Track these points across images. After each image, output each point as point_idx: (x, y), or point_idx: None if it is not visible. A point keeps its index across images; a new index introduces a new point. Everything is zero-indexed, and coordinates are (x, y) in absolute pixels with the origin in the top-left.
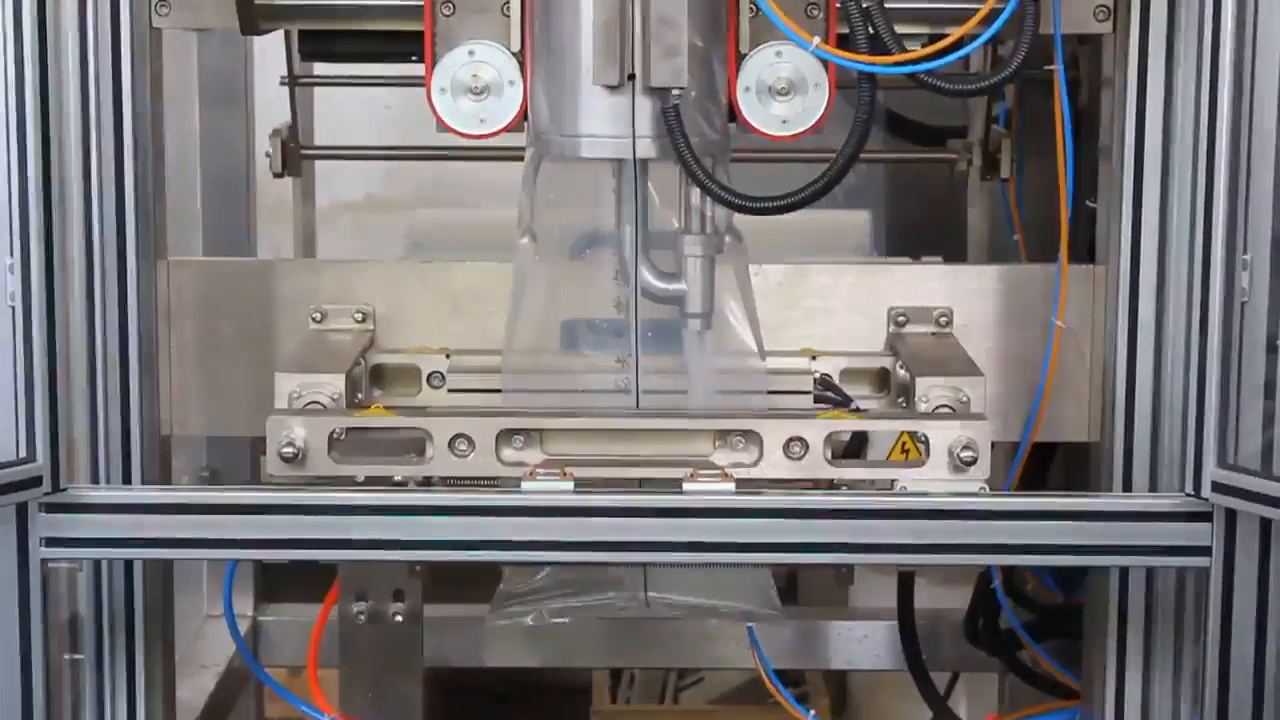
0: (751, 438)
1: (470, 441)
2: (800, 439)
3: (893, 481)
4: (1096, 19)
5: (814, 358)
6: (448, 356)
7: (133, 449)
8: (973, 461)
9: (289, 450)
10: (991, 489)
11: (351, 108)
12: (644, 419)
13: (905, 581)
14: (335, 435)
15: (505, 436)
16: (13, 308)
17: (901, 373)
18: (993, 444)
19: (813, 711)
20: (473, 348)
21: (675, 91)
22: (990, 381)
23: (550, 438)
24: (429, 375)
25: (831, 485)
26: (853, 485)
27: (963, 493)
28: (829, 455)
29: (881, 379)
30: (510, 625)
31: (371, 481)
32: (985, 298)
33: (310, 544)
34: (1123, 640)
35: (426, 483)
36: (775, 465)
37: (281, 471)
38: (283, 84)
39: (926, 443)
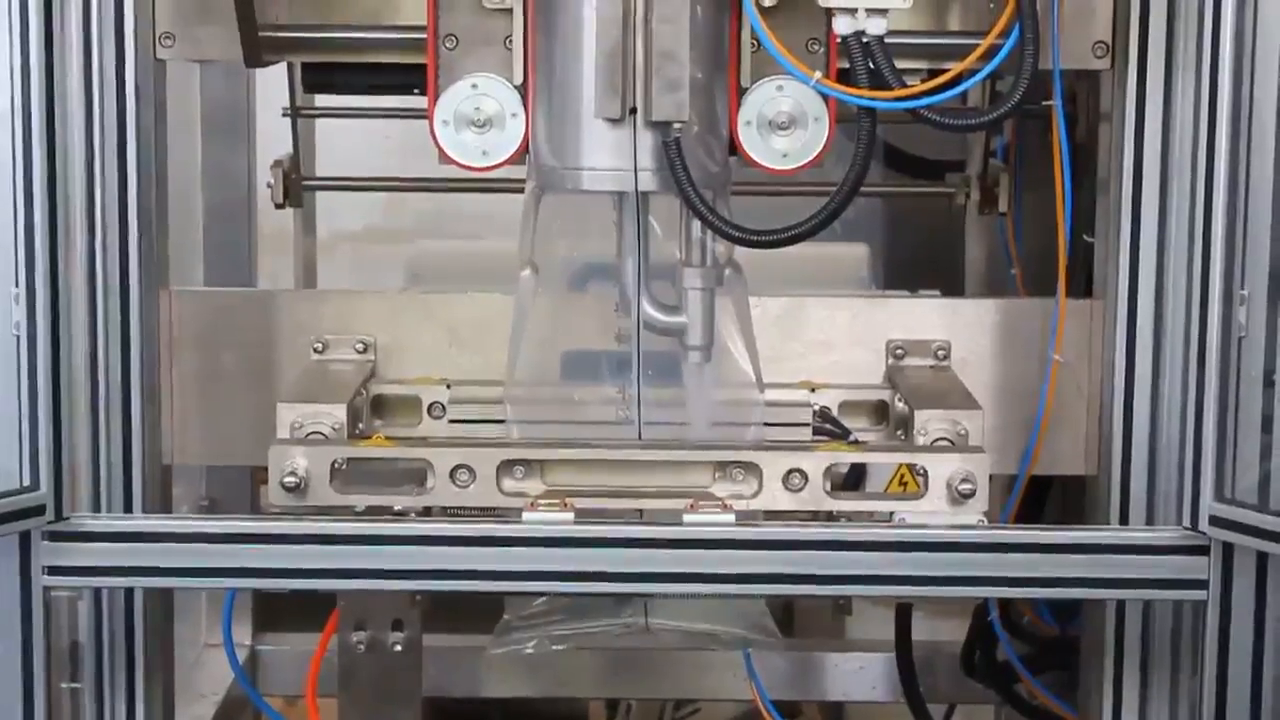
0: (751, 469)
1: (471, 472)
2: (799, 471)
3: (891, 514)
4: (1095, 55)
5: (813, 390)
6: (449, 387)
7: (134, 478)
8: (971, 494)
9: (291, 480)
10: (989, 521)
11: (351, 138)
12: (644, 450)
13: (903, 613)
14: (337, 465)
15: (506, 467)
16: (17, 337)
17: (900, 405)
18: (990, 476)
19: None
20: (474, 379)
21: (676, 125)
22: (988, 414)
23: (551, 469)
24: (430, 406)
25: (830, 517)
26: (851, 517)
27: (961, 525)
28: (828, 487)
29: (880, 412)
30: (510, 653)
31: (372, 511)
32: (983, 331)
33: (310, 574)
34: (1119, 673)
35: (427, 513)
36: (775, 497)
37: (283, 501)
38: (285, 115)
39: (925, 475)
